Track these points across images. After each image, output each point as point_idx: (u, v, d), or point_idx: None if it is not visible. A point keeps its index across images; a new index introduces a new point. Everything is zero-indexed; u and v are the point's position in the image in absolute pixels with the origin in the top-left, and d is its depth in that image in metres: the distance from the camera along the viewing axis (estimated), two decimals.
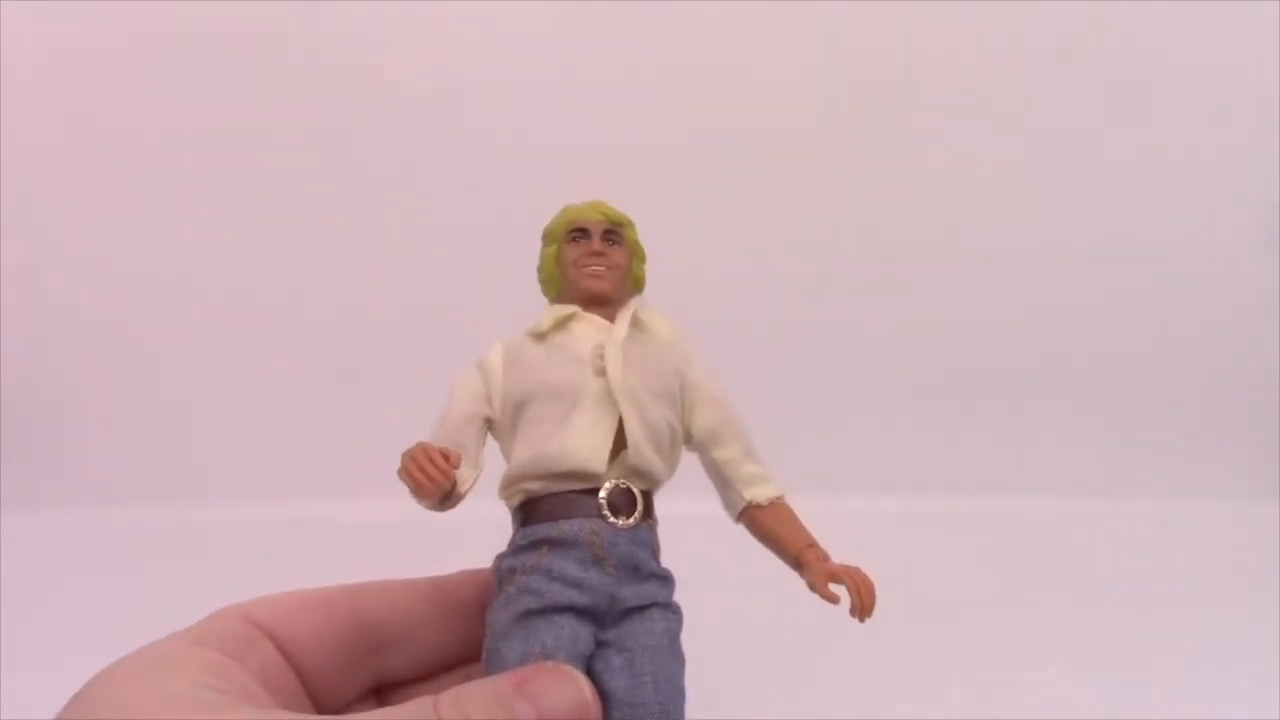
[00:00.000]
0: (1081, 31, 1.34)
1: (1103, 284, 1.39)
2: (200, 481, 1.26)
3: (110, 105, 1.31)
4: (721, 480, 0.46)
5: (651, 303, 0.48)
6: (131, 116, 1.31)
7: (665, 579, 0.43)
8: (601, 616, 0.40)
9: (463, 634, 0.42)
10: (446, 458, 0.40)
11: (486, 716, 0.31)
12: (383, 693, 0.42)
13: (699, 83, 1.32)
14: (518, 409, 0.43)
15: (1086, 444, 1.35)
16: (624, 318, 0.45)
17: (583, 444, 0.41)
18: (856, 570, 0.42)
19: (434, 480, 0.39)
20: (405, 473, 0.39)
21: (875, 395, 1.35)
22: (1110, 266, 1.38)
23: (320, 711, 0.39)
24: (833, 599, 0.42)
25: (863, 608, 0.42)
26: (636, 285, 0.49)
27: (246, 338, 1.31)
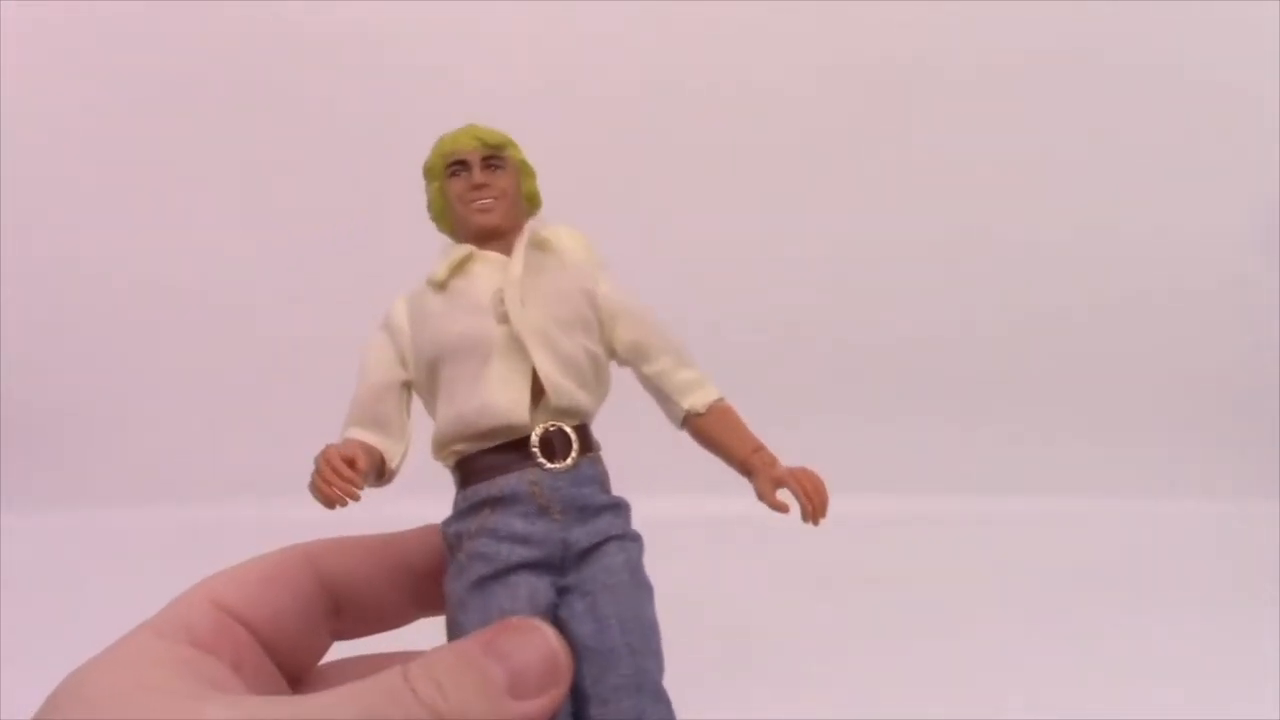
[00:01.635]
0: (1082, 32, 1.34)
1: (1103, 284, 1.39)
2: (200, 481, 1.26)
3: (110, 105, 1.31)
4: (658, 393, 0.44)
5: (547, 220, 0.46)
6: (131, 116, 1.31)
7: (617, 507, 0.41)
8: (558, 564, 0.39)
9: (413, 591, 0.42)
10: (353, 464, 0.38)
11: (458, 681, 0.30)
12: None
13: (701, 81, 1.32)
14: (431, 370, 0.42)
15: (1086, 444, 1.35)
16: (519, 251, 0.43)
17: (501, 398, 0.40)
18: (805, 472, 0.41)
19: (339, 493, 0.37)
20: (313, 488, 0.38)
21: (876, 395, 1.35)
22: (1110, 267, 1.38)
23: (289, 678, 0.39)
24: (781, 508, 0.40)
25: (813, 510, 0.40)
26: (532, 203, 0.47)
27: (247, 338, 1.31)
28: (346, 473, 0.38)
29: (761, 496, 0.41)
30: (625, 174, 1.27)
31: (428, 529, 0.43)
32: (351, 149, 1.29)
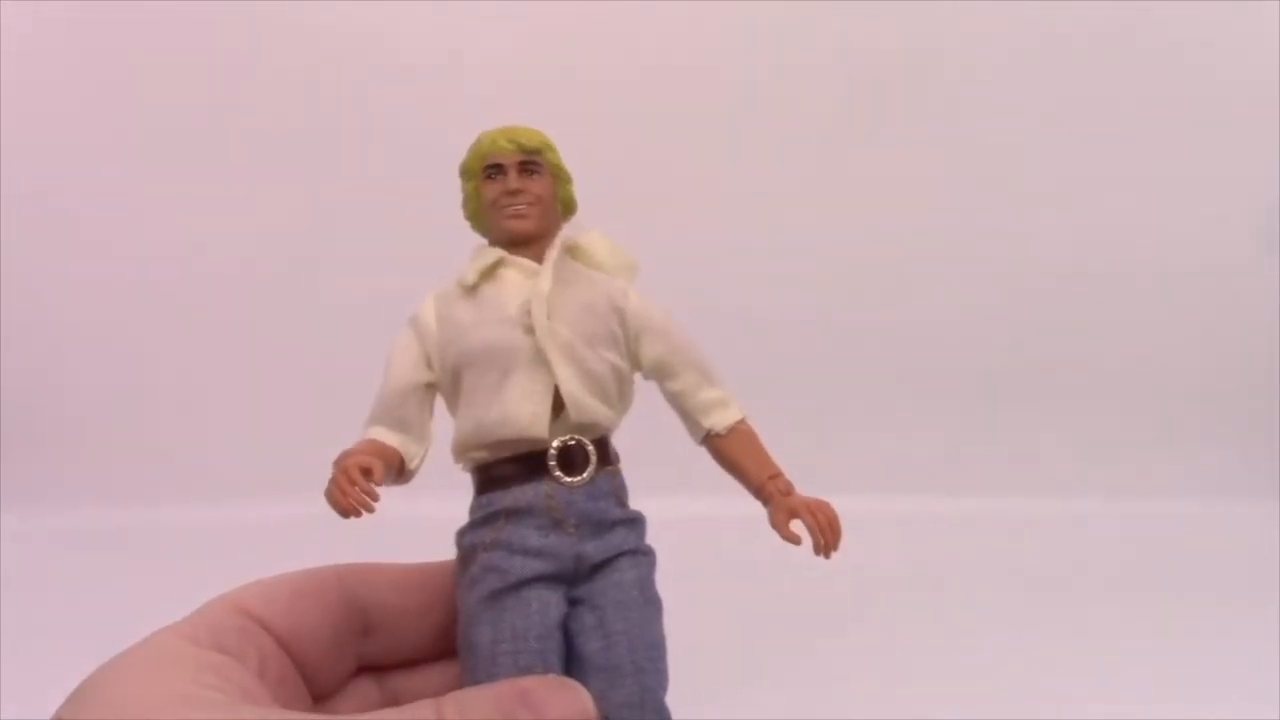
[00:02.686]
0: (1082, 32, 1.34)
1: (1103, 284, 1.39)
2: (201, 481, 1.26)
3: (110, 104, 1.31)
4: (680, 411, 0.44)
5: (586, 226, 0.46)
6: (131, 114, 1.31)
7: (632, 522, 0.42)
8: (570, 577, 0.40)
9: (445, 622, 0.42)
10: (369, 473, 0.38)
11: None
12: (363, 674, 0.42)
13: (699, 79, 1.32)
14: (455, 375, 0.42)
15: (1086, 444, 1.35)
16: (549, 263, 0.43)
17: (522, 410, 0.40)
18: (819, 505, 0.41)
19: (354, 504, 0.38)
20: (329, 497, 0.38)
21: (876, 395, 1.34)
22: (1111, 266, 1.38)
23: (315, 695, 0.39)
24: (793, 539, 0.40)
25: (825, 545, 0.40)
26: (567, 209, 0.47)
27: (247, 338, 1.31)
28: (363, 483, 0.38)
29: (775, 526, 0.41)
30: (627, 171, 1.27)
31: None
32: (361, 144, 1.29)
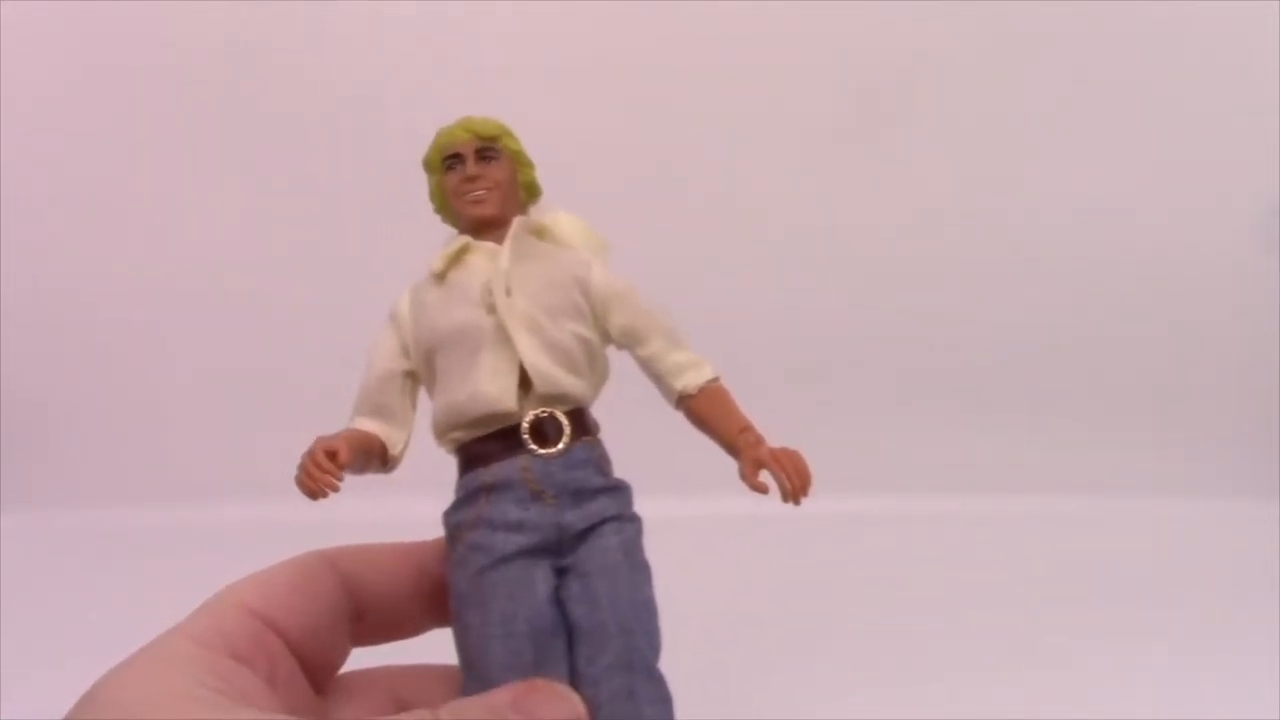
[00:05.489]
0: (1081, 31, 1.34)
1: (1103, 283, 1.39)
2: (200, 481, 1.26)
3: (108, 102, 1.31)
4: (653, 376, 0.45)
5: (552, 206, 0.47)
6: (130, 112, 1.31)
7: (616, 490, 0.42)
8: (555, 547, 0.40)
9: (432, 600, 0.42)
10: (334, 456, 0.40)
11: None
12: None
13: (698, 81, 1.32)
14: (428, 359, 0.43)
15: (1085, 444, 1.35)
16: (507, 241, 0.44)
17: (490, 386, 0.41)
18: (787, 453, 0.41)
19: (319, 485, 0.39)
20: (296, 480, 0.40)
21: (875, 395, 1.35)
22: (1110, 266, 1.38)
23: (314, 686, 0.39)
24: (761, 488, 0.40)
25: (793, 490, 0.39)
26: (530, 193, 0.48)
27: (247, 338, 1.31)
28: (326, 465, 0.39)
29: (743, 477, 0.41)
30: (627, 172, 1.27)
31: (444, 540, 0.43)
32: (357, 148, 1.29)
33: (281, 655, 0.37)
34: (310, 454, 0.40)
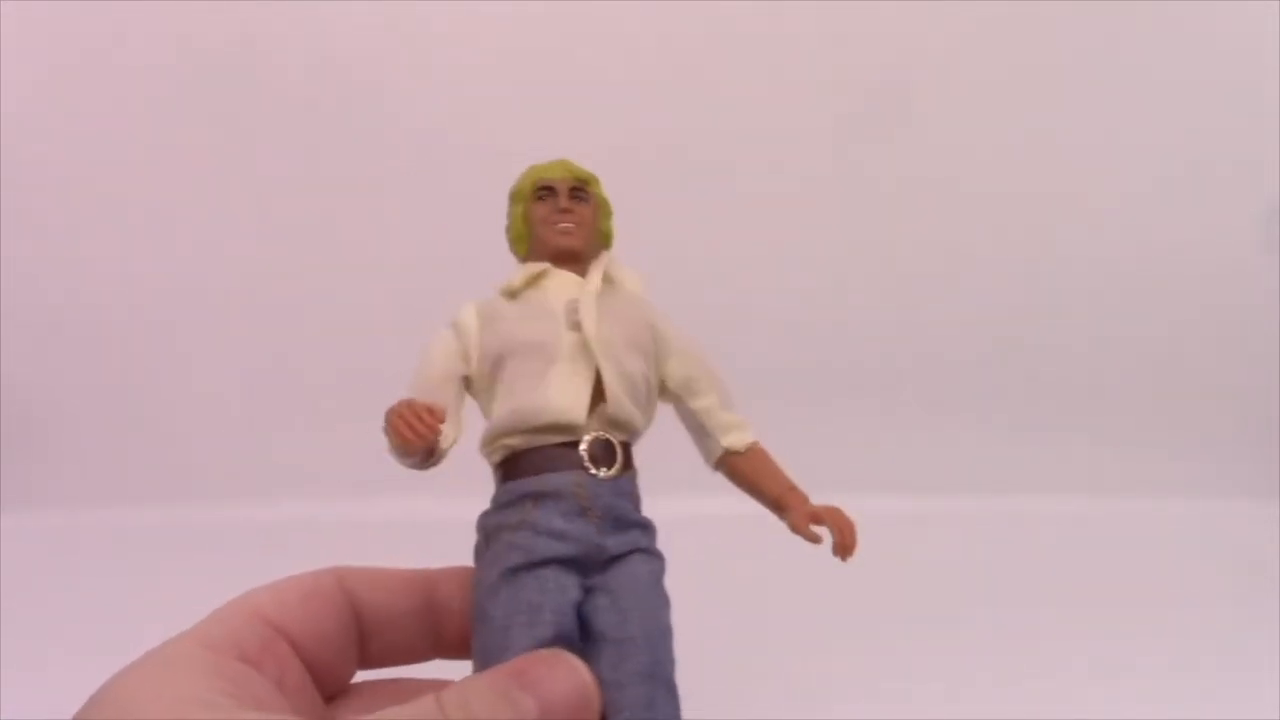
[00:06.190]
0: (1080, 31, 1.34)
1: (1103, 283, 1.39)
2: (199, 481, 1.26)
3: (107, 102, 1.31)
4: (699, 429, 0.47)
5: (619, 259, 0.49)
6: (130, 113, 1.31)
7: (646, 527, 0.43)
8: (587, 565, 0.40)
9: (438, 630, 0.42)
10: (431, 411, 0.40)
11: (491, 709, 0.31)
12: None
13: (698, 83, 1.32)
14: (495, 366, 0.44)
15: (1086, 444, 1.35)
16: (596, 272, 0.46)
17: (562, 397, 0.42)
18: (837, 510, 0.44)
19: (419, 435, 0.39)
20: (391, 429, 0.39)
21: (875, 395, 1.35)
22: (1110, 266, 1.38)
23: (324, 697, 0.39)
24: (815, 539, 0.43)
25: (844, 545, 0.43)
26: (605, 240, 0.50)
27: (247, 338, 1.31)
28: (427, 418, 0.39)
29: (795, 529, 0.44)
30: (628, 174, 1.27)
31: (461, 570, 0.43)
32: (353, 150, 1.29)
33: (291, 661, 0.37)
34: (409, 404, 0.40)
